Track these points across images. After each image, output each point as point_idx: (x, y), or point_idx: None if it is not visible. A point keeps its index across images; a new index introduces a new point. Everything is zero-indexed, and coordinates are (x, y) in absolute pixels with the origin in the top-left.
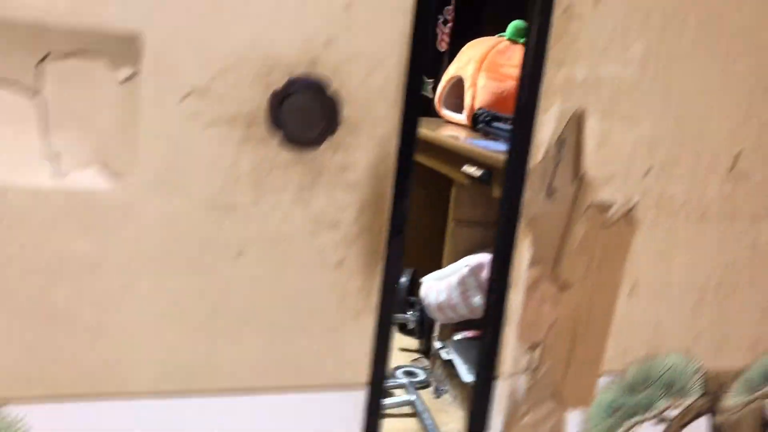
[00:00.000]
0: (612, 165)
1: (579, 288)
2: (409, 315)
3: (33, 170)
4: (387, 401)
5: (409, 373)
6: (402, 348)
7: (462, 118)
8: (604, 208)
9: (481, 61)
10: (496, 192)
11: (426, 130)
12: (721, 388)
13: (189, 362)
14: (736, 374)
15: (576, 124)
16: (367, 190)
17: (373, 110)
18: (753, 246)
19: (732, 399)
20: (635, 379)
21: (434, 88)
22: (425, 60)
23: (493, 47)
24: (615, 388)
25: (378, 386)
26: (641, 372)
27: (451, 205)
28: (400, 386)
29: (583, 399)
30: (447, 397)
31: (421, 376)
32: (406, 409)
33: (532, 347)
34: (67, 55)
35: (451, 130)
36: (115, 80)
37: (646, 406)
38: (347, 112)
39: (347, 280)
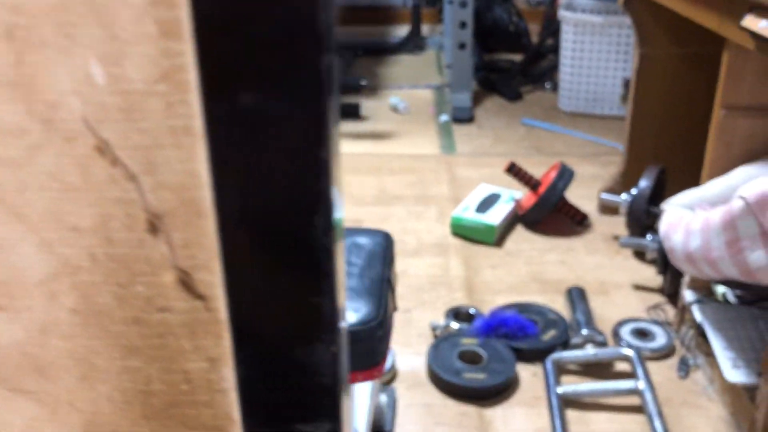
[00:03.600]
0: None
1: None
2: (649, 240)
3: None
4: (596, 386)
5: (641, 333)
6: (637, 285)
7: None
8: None
9: None
10: None
11: None
12: None
13: None
14: None
15: None
16: None
17: None
18: None
19: None
20: None
21: None
22: None
23: None
24: None
25: None
26: None
27: (722, 80)
28: (623, 357)
29: None
30: (698, 378)
31: (660, 338)
32: (625, 401)
33: None
34: None
35: None
36: None
37: None
38: None
39: None
